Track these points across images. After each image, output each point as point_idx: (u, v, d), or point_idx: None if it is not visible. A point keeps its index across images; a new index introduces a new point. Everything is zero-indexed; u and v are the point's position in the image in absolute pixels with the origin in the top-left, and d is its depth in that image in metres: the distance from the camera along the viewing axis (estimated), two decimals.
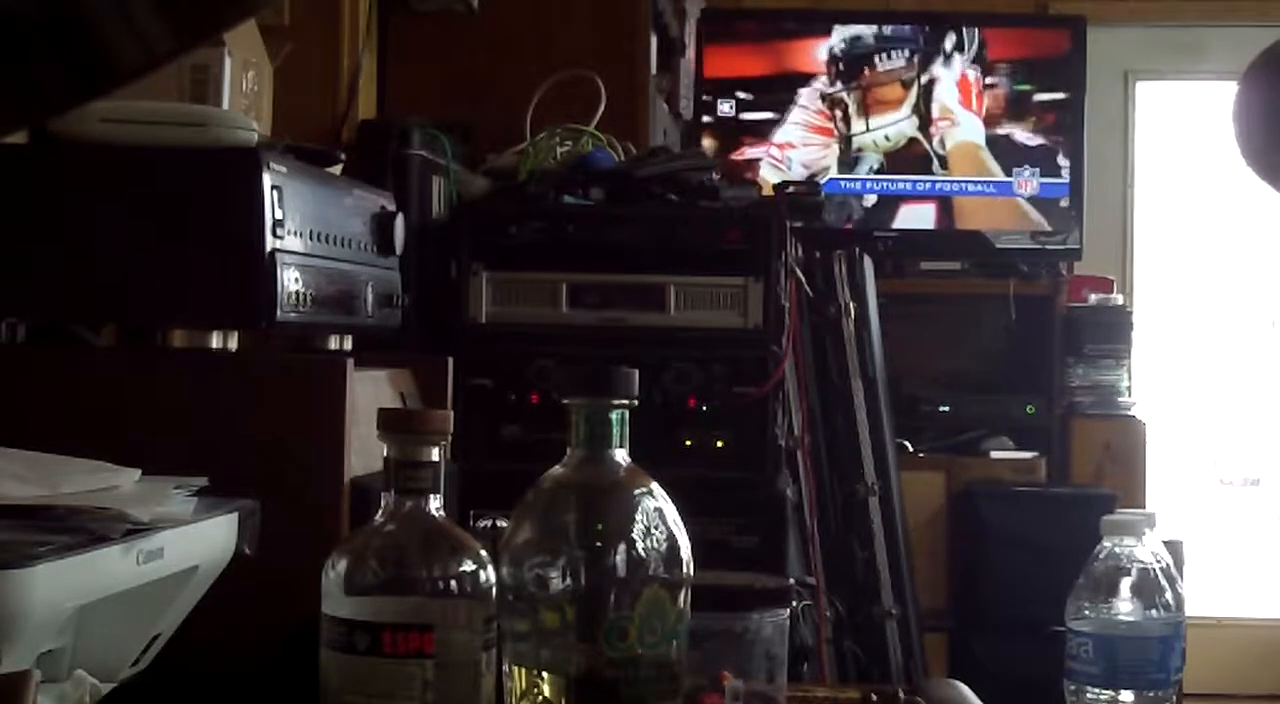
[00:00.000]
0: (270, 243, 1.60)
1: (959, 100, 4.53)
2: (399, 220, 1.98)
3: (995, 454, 4.39)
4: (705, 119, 4.37)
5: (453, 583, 0.98)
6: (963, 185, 4.52)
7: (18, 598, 1.00)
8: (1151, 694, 1.36)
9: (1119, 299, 4.59)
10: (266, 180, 1.61)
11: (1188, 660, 1.39)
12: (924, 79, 4.53)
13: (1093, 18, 4.64)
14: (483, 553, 0.99)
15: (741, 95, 4.46)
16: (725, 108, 4.46)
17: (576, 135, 2.68)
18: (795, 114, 4.49)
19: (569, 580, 0.95)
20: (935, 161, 4.51)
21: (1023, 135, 4.53)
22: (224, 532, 1.28)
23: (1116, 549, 1.39)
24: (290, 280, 1.64)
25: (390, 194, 2.07)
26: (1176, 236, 5.08)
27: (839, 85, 4.50)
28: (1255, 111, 1.54)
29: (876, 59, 4.52)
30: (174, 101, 1.76)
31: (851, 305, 3.38)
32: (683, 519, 0.99)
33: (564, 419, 1.00)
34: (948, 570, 4.29)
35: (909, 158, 4.52)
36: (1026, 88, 4.54)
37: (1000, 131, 4.53)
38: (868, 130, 4.51)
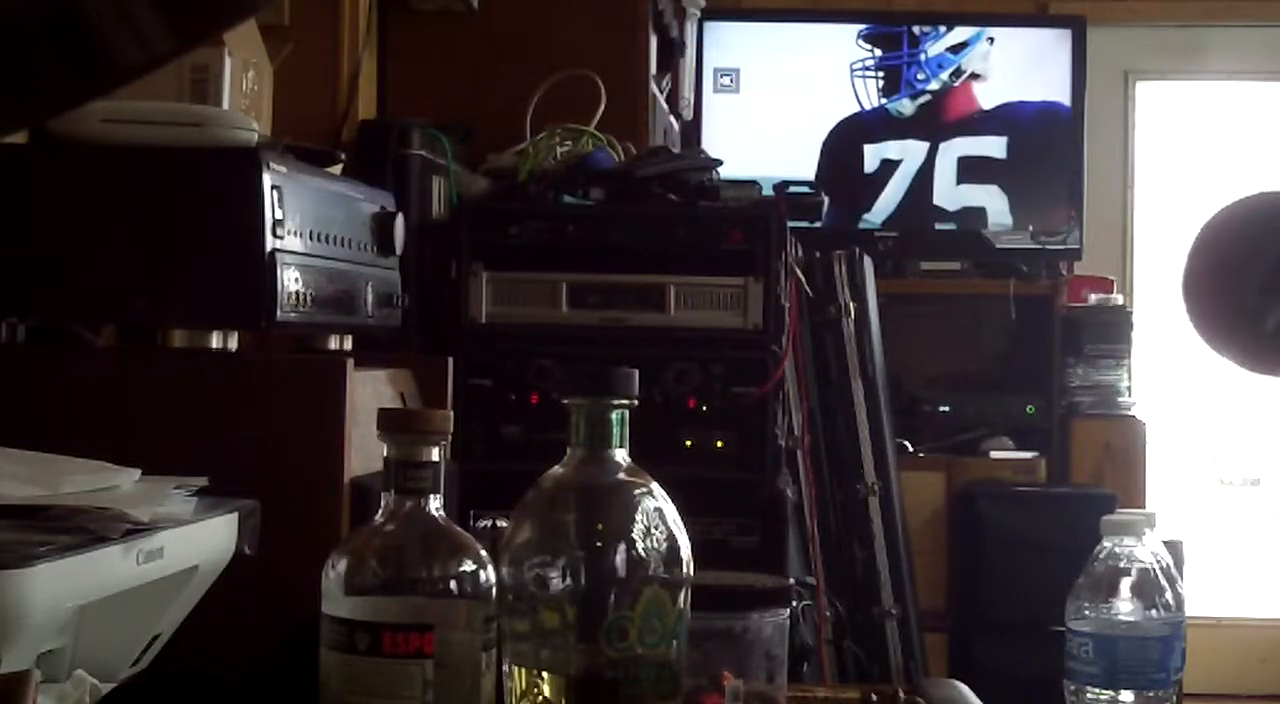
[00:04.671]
0: (270, 243, 1.60)
1: (958, 100, 4.53)
2: (399, 220, 1.98)
3: (995, 454, 4.39)
4: None
5: (453, 583, 0.98)
6: (962, 185, 4.51)
7: (18, 598, 1.00)
8: (1151, 694, 1.36)
9: (1119, 299, 4.58)
10: (266, 180, 1.60)
11: (1188, 660, 1.39)
12: (925, 80, 4.52)
13: (1093, 18, 4.64)
14: (483, 553, 0.99)
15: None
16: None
17: (576, 135, 2.68)
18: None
19: (569, 580, 0.95)
20: (934, 160, 4.51)
21: (1022, 134, 4.53)
22: (224, 532, 1.28)
23: (1116, 549, 1.39)
24: (290, 280, 1.64)
25: (390, 194, 2.07)
26: (1176, 237, 5.07)
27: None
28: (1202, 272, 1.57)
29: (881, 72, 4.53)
30: (174, 101, 1.76)
31: (851, 305, 3.38)
32: (683, 519, 0.99)
33: (564, 419, 1.00)
34: (948, 570, 4.29)
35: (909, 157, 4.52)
36: (1026, 87, 4.53)
37: (999, 130, 4.53)
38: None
